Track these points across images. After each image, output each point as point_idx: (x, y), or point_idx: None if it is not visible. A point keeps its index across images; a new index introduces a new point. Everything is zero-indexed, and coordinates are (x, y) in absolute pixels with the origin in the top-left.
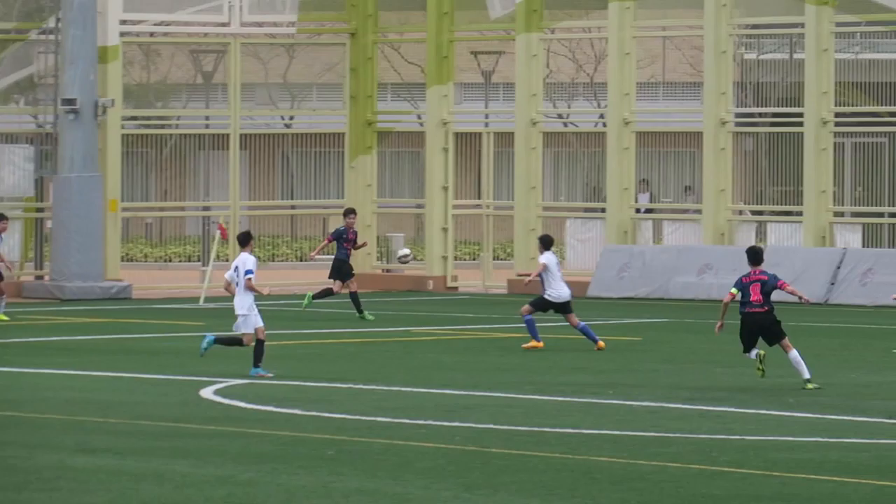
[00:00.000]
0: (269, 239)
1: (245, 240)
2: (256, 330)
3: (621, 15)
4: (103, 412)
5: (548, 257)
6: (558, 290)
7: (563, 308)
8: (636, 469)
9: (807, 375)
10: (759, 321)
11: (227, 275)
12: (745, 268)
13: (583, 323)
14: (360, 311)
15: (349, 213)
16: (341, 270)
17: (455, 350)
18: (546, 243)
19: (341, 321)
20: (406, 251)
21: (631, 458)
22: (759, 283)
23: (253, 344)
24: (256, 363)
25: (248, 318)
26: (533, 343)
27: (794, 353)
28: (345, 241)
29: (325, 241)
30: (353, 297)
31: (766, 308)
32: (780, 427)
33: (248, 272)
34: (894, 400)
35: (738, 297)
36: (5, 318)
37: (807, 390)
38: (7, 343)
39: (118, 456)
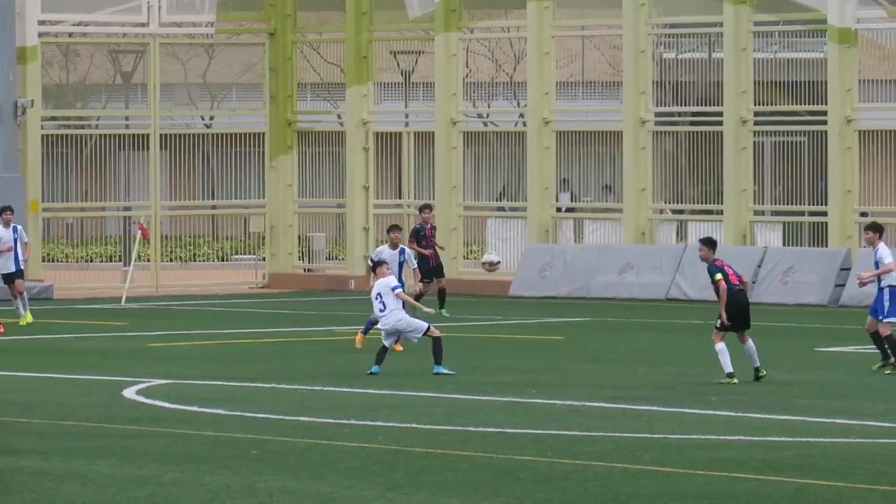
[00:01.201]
0: (189, 239)
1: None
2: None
3: (540, 14)
4: (26, 413)
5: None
6: None
7: None
8: (560, 468)
9: (758, 364)
10: (745, 300)
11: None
12: (667, 266)
13: None
14: (441, 307)
15: (424, 208)
16: (426, 269)
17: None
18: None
19: (265, 321)
20: (493, 257)
21: (555, 457)
22: (730, 267)
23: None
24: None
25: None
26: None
27: (750, 344)
28: (423, 238)
29: (410, 244)
30: (440, 293)
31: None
32: (703, 425)
33: (394, 287)
34: (815, 398)
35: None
36: (29, 318)
37: (755, 381)
38: None
39: (41, 456)
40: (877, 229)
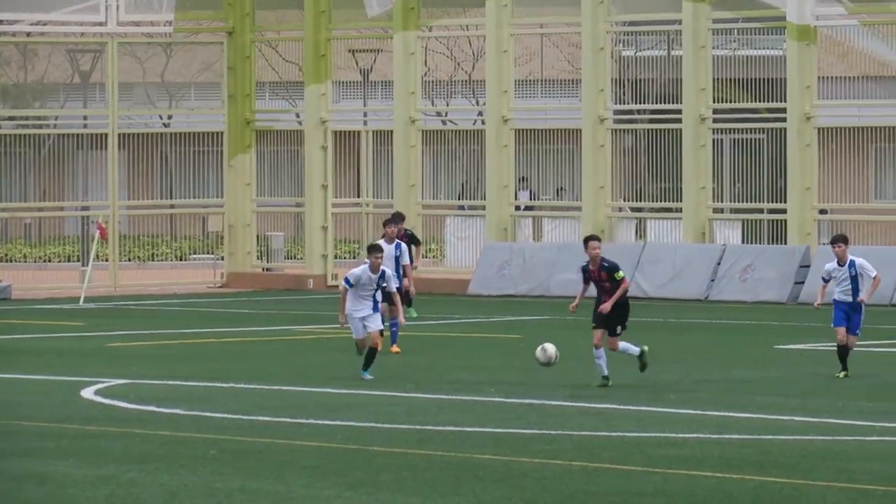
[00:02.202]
0: (148, 239)
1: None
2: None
3: (499, 13)
4: None
5: None
6: None
7: None
8: (519, 466)
9: (635, 350)
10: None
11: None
12: (626, 264)
13: None
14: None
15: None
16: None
17: (336, 349)
18: None
19: (223, 321)
20: (549, 355)
21: (513, 455)
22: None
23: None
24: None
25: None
26: None
27: (621, 346)
28: None
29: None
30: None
31: None
32: (662, 424)
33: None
34: (774, 395)
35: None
36: None
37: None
38: None
39: None
40: (847, 241)
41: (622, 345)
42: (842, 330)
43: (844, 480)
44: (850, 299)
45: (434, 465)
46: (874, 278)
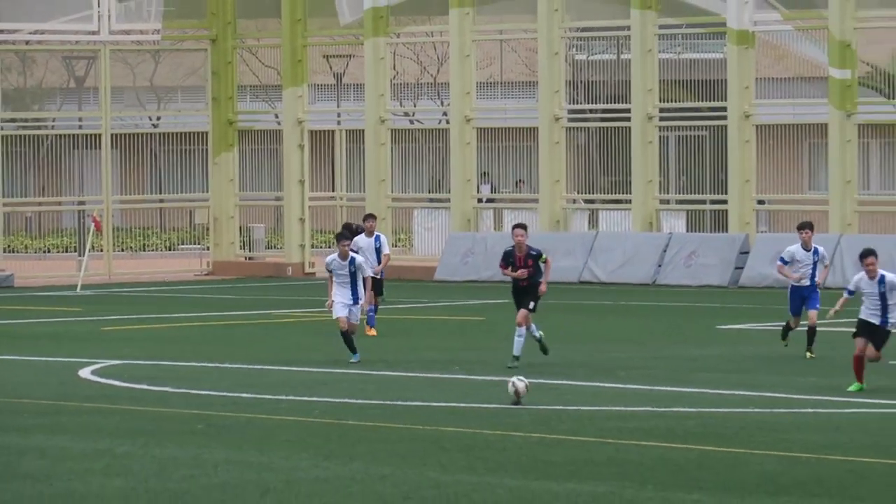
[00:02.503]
0: (139, 230)
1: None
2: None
3: (461, 20)
4: None
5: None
6: None
7: None
8: (482, 438)
9: (517, 352)
10: (522, 285)
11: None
12: (579, 252)
13: None
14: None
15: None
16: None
17: (313, 331)
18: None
19: (209, 306)
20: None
21: (477, 428)
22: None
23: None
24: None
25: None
26: None
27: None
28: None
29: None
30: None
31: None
32: (613, 398)
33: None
34: (716, 371)
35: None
36: None
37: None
38: None
39: (2, 432)
40: (812, 227)
41: (533, 328)
42: (802, 316)
43: (780, 449)
44: (809, 284)
45: (404, 437)
46: (826, 267)
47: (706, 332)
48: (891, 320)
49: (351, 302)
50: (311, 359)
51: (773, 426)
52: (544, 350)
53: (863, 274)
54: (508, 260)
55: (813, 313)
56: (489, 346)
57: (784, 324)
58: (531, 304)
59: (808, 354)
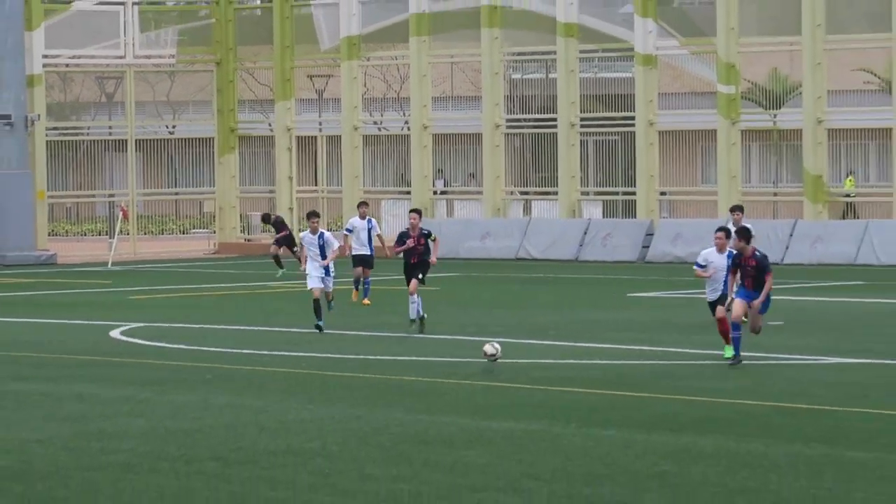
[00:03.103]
0: (158, 218)
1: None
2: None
3: (419, 46)
4: (35, 349)
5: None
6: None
7: None
8: (437, 386)
9: (411, 316)
10: (417, 259)
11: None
12: (516, 234)
13: None
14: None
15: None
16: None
17: (301, 300)
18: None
19: (215, 279)
20: (492, 351)
21: (433, 377)
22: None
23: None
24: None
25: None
26: None
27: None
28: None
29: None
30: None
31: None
32: (543, 353)
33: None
34: (628, 331)
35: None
36: None
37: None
38: None
39: (46, 382)
40: (742, 210)
41: (418, 299)
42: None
43: (678, 393)
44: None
45: (374, 385)
46: None
47: (619, 299)
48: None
49: (323, 274)
50: (298, 321)
51: (673, 375)
52: (421, 325)
53: (713, 248)
54: (403, 239)
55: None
56: (443, 310)
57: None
58: (420, 276)
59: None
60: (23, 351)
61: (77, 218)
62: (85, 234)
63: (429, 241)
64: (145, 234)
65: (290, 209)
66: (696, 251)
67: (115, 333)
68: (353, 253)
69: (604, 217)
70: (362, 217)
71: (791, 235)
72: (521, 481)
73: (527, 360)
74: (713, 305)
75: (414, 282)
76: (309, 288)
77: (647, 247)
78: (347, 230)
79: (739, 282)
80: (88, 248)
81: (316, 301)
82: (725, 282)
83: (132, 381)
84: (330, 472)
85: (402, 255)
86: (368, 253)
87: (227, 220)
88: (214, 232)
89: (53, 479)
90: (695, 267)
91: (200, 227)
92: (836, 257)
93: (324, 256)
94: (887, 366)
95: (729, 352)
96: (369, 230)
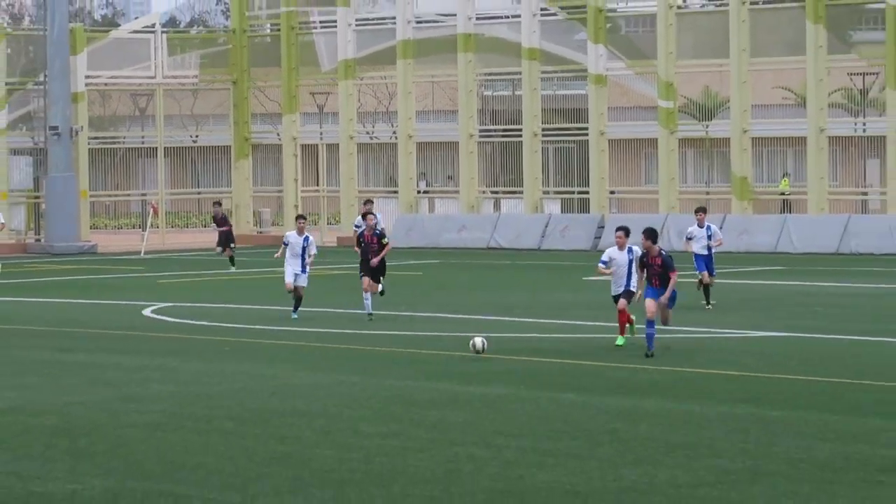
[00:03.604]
0: (183, 213)
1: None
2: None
3: (405, 68)
4: (78, 325)
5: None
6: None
7: None
8: (419, 356)
9: (368, 311)
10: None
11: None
12: (487, 227)
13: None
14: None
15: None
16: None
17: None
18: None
19: (222, 265)
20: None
21: (419, 349)
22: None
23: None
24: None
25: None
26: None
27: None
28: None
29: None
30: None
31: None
32: (510, 327)
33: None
34: (583, 309)
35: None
36: None
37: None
38: (16, 282)
39: (89, 353)
40: (705, 211)
41: (379, 287)
42: (704, 274)
43: (627, 362)
44: (706, 253)
45: (368, 356)
46: (719, 239)
47: (576, 283)
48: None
49: (299, 271)
50: (304, 302)
51: (622, 347)
52: (382, 292)
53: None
54: (359, 238)
55: (711, 278)
56: (425, 293)
57: (701, 286)
58: (380, 278)
59: (707, 306)
60: (68, 327)
61: (114, 214)
62: (121, 228)
63: (382, 241)
64: (172, 227)
65: (296, 206)
66: (640, 241)
67: (146, 312)
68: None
69: (562, 212)
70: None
71: (721, 227)
72: (492, 437)
73: (498, 333)
74: (616, 298)
75: (368, 280)
76: (286, 281)
77: (599, 237)
78: (357, 226)
79: (646, 281)
80: (124, 240)
81: (291, 293)
82: (628, 277)
83: (161, 352)
84: (330, 429)
85: (359, 251)
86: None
87: (241, 215)
88: (232, 225)
89: (93, 436)
90: (599, 264)
91: None
92: (759, 246)
93: (303, 256)
94: (804, 339)
95: (622, 340)
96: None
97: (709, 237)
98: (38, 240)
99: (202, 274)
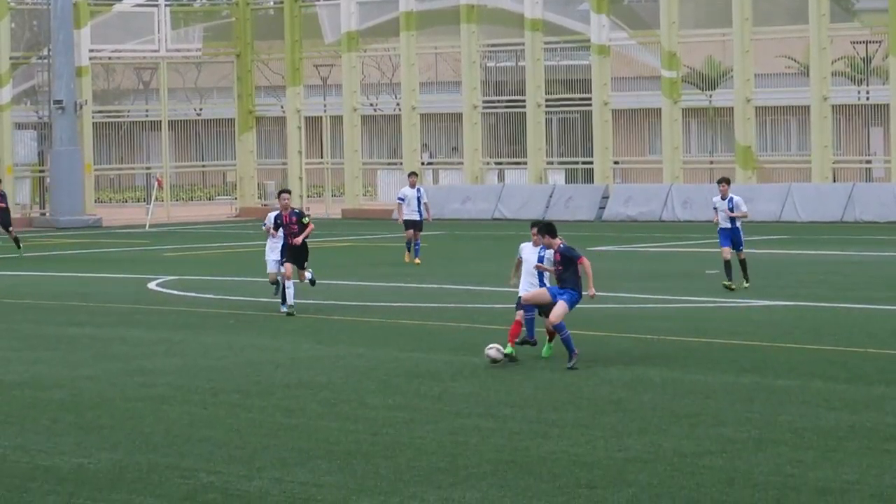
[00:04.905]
0: (188, 187)
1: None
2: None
3: (409, 40)
4: (84, 299)
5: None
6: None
7: None
8: (425, 327)
9: (289, 302)
10: (295, 246)
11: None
12: (492, 198)
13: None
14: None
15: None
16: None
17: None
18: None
19: (237, 238)
20: (496, 355)
21: (421, 320)
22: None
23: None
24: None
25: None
26: None
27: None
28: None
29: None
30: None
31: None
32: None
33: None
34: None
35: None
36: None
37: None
38: (22, 257)
39: (95, 327)
40: (728, 182)
41: (308, 274)
42: (725, 249)
43: (630, 332)
44: (730, 225)
45: (374, 327)
46: (742, 212)
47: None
48: (737, 224)
49: (279, 258)
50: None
51: (625, 317)
52: (312, 282)
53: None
54: (277, 221)
55: (740, 253)
56: (431, 263)
57: (723, 263)
58: (305, 264)
59: (744, 284)
60: (74, 301)
61: (119, 187)
62: (126, 201)
63: (302, 221)
64: (177, 200)
65: (300, 178)
66: (644, 211)
67: (152, 285)
68: (405, 218)
69: (566, 183)
70: (412, 186)
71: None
72: (497, 408)
73: (502, 305)
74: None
75: (290, 266)
76: (268, 271)
77: (603, 208)
78: (400, 199)
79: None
80: (129, 213)
81: (275, 283)
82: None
83: (167, 325)
84: (335, 401)
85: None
86: (418, 218)
87: (246, 188)
88: (236, 198)
89: (101, 409)
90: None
91: (224, 195)
92: (763, 215)
93: (285, 240)
94: (809, 307)
95: (548, 351)
96: (418, 198)
97: (731, 209)
98: (44, 214)
99: (207, 247)
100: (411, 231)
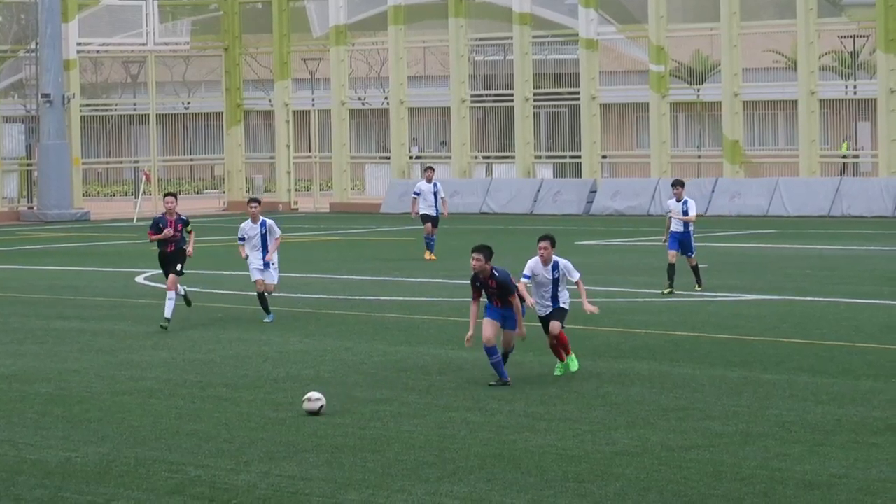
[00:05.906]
0: (176, 180)
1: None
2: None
3: (397, 34)
4: (72, 293)
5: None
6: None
7: None
8: (414, 321)
9: (168, 315)
10: (168, 252)
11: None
12: (480, 192)
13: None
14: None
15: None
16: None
17: (297, 249)
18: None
19: (224, 232)
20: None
21: (409, 314)
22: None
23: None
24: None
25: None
26: None
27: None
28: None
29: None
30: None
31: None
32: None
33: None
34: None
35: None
36: None
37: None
38: (10, 250)
39: (82, 320)
40: (683, 185)
41: (180, 288)
42: (671, 253)
43: (619, 326)
44: (682, 230)
45: (361, 321)
46: (690, 216)
47: (568, 246)
48: (690, 228)
49: (261, 265)
50: (295, 267)
51: (614, 310)
52: (188, 303)
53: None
54: (159, 226)
55: (674, 254)
56: (418, 257)
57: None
58: (178, 268)
59: (696, 287)
60: (62, 294)
61: (107, 181)
62: (114, 195)
63: (185, 230)
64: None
65: (288, 172)
66: (632, 205)
67: (140, 279)
68: (422, 212)
69: (554, 177)
70: (429, 181)
71: (713, 191)
72: (485, 402)
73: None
74: (545, 320)
75: (172, 277)
76: (253, 280)
77: (591, 202)
78: (416, 193)
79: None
80: (117, 207)
81: (260, 294)
82: (554, 296)
83: (155, 319)
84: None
85: (156, 244)
86: (435, 213)
87: (234, 182)
88: (224, 192)
89: (88, 403)
90: (522, 279)
91: (212, 188)
92: (751, 209)
93: (265, 245)
94: (796, 302)
95: (561, 369)
96: (435, 193)
97: (684, 213)
98: (31, 207)
99: (195, 241)
100: (429, 225)
